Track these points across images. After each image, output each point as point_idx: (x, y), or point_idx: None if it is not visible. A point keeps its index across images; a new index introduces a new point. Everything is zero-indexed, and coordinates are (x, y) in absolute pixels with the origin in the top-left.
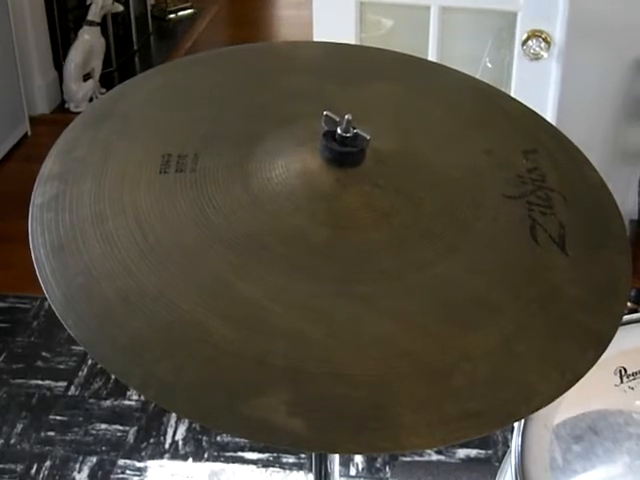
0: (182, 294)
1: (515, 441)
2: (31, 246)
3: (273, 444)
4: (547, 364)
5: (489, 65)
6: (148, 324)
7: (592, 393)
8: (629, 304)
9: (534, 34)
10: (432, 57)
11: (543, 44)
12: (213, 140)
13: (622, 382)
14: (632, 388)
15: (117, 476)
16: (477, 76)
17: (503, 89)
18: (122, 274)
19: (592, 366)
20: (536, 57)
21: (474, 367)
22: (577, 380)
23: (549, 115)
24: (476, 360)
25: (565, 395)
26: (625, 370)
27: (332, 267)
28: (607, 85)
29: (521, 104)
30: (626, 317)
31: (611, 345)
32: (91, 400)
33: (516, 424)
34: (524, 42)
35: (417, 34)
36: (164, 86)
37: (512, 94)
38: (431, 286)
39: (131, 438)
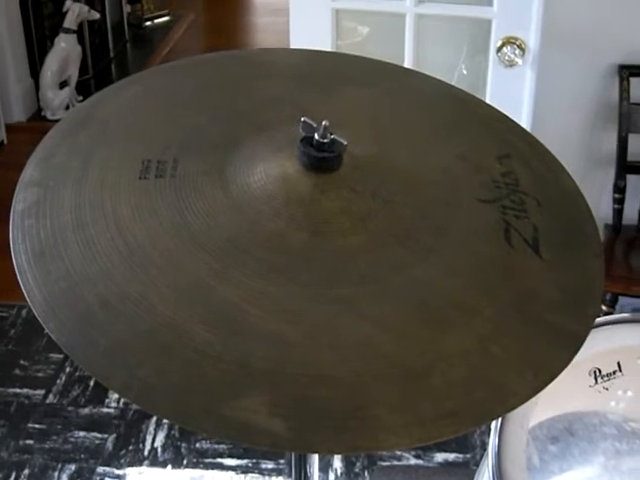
0: (163, 298)
1: (492, 441)
2: (12, 252)
3: (254, 445)
4: (522, 364)
5: (465, 72)
6: (129, 328)
7: (567, 394)
8: (604, 307)
9: (509, 41)
10: (408, 64)
11: (517, 51)
12: (192, 146)
13: (597, 383)
14: (607, 389)
15: None
16: (453, 82)
17: (479, 95)
18: (103, 279)
19: (566, 366)
20: (511, 64)
21: (450, 368)
22: (551, 380)
23: (524, 120)
24: (452, 361)
25: (541, 396)
26: (600, 371)
27: (311, 271)
28: (581, 91)
29: (495, 110)
30: (600, 319)
31: (586, 346)
32: (69, 408)
33: (493, 425)
34: (499, 49)
35: (393, 41)
36: (142, 93)
37: (487, 100)
38: (408, 288)
39: (110, 445)
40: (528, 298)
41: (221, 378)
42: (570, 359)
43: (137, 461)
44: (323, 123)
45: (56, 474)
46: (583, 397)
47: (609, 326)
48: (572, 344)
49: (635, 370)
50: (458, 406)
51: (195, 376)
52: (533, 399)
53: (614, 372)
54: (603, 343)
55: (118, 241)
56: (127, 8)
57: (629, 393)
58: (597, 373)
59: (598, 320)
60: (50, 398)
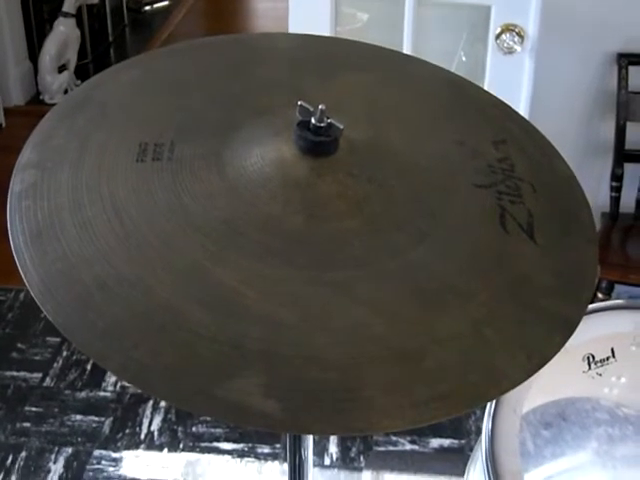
0: (159, 280)
1: (485, 426)
2: (9, 233)
3: (248, 426)
4: (515, 348)
5: (464, 59)
6: (126, 309)
7: (561, 380)
8: (601, 295)
9: (508, 28)
10: (407, 51)
11: (516, 38)
12: (189, 129)
13: (590, 369)
14: (600, 374)
15: (93, 467)
16: (452, 69)
17: (477, 82)
18: (100, 260)
19: (559, 350)
20: (510, 51)
21: (444, 351)
22: (544, 363)
23: (522, 108)
24: (446, 344)
25: (534, 381)
26: (593, 357)
27: (306, 254)
28: (579, 79)
29: (492, 96)
30: (595, 305)
31: (579, 332)
32: (66, 391)
33: (486, 410)
34: (498, 36)
35: (392, 28)
36: (141, 76)
37: (486, 87)
38: (403, 272)
39: (106, 429)
40: (522, 283)
41: (216, 359)
42: (563, 343)
43: (133, 445)
44: (320, 107)
45: (53, 457)
46: (576, 383)
47: (603, 312)
48: (565, 328)
49: (628, 356)
50: (451, 389)
51: (190, 357)
52: (526, 384)
53: (607, 358)
54: (597, 329)
55: (115, 223)
56: None
57: (622, 379)
58: (591, 359)
59: (593, 306)
60: (47, 381)
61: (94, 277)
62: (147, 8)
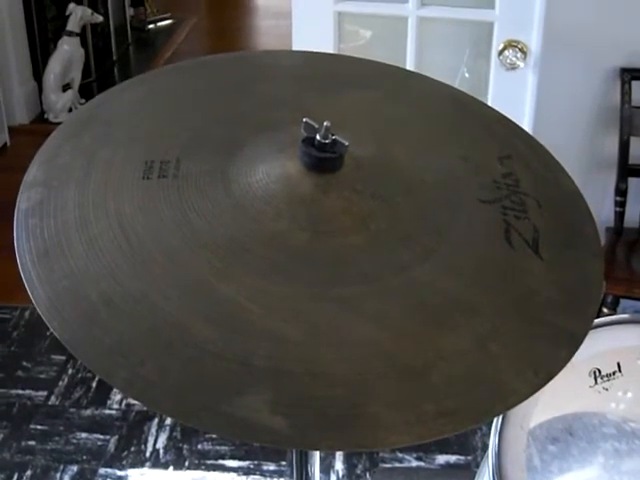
0: (165, 297)
1: (492, 442)
2: (16, 251)
3: (255, 442)
4: (521, 363)
5: (467, 75)
6: (132, 326)
7: (567, 395)
8: (606, 310)
9: (510, 44)
10: (410, 68)
11: (519, 54)
12: (195, 146)
13: (596, 383)
14: (606, 389)
15: None
16: (455, 86)
17: (481, 98)
18: (106, 277)
19: (565, 365)
20: (512, 67)
21: (450, 366)
22: (550, 379)
23: (525, 124)
24: (452, 360)
25: (541, 397)
26: (599, 371)
27: (312, 270)
28: (583, 94)
29: (496, 112)
30: (600, 320)
31: (585, 347)
32: (72, 409)
33: (493, 425)
34: (500, 52)
35: (395, 45)
36: (146, 94)
37: (489, 103)
38: (408, 288)
39: (112, 447)
40: (528, 298)
41: (223, 376)
42: (569, 358)
43: (139, 462)
44: (325, 124)
45: (58, 475)
46: (583, 398)
47: (609, 327)
48: (571, 343)
49: (635, 371)
50: (458, 404)
51: (197, 374)
52: (533, 399)
53: (614, 373)
54: (603, 344)
55: (121, 240)
56: (130, 11)
57: (629, 394)
58: (597, 374)
59: (598, 321)
60: (52, 399)
61: (100, 294)
62: (151, 27)
